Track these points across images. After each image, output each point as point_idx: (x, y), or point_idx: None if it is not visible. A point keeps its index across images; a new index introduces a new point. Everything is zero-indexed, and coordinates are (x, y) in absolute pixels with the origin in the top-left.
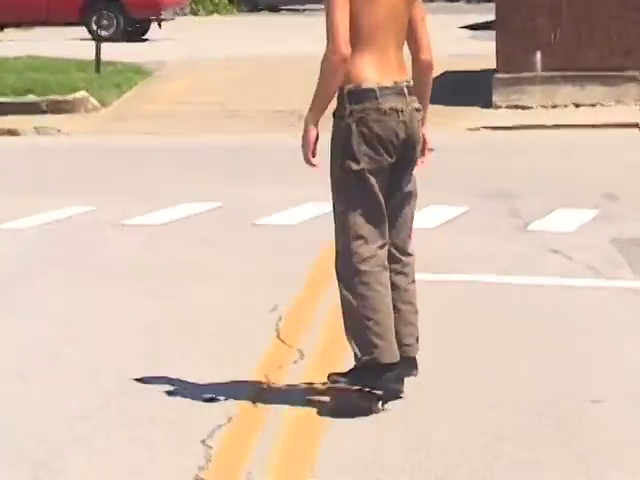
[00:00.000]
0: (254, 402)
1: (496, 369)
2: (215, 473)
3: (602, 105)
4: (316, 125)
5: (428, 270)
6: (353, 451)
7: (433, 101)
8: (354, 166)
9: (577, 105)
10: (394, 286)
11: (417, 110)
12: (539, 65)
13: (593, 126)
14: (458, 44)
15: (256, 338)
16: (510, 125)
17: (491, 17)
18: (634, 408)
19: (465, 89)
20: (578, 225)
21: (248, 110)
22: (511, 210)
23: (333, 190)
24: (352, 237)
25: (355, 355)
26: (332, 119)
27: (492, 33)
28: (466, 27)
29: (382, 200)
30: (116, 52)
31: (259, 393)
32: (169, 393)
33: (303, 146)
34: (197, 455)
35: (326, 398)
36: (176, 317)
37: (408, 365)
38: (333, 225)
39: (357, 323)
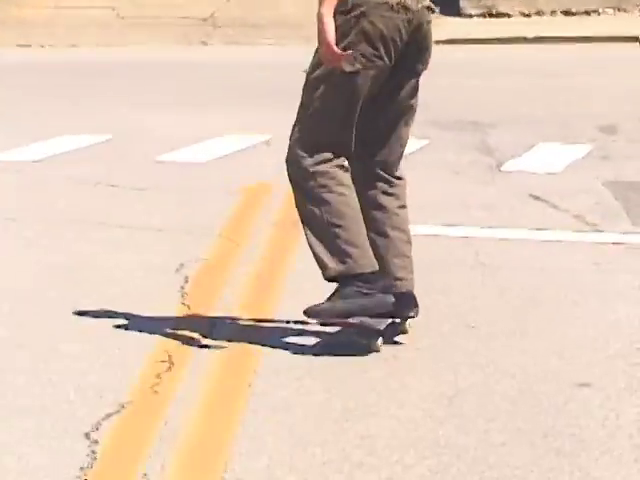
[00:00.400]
0: (152, 386)
1: (462, 346)
2: (101, 474)
3: (598, 13)
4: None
5: None
6: (272, 448)
7: None
8: (347, 67)
9: (567, 13)
10: (381, 207)
11: (428, 9)
12: None
13: (585, 39)
14: None
15: (156, 305)
16: (481, 38)
17: None
18: (624, 395)
19: None
20: (565, 165)
21: (147, 16)
22: (481, 145)
23: (306, 89)
24: (312, 142)
25: (327, 271)
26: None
27: None
28: None
29: (358, 111)
30: None
31: (159, 374)
32: (44, 375)
33: (322, 42)
34: (78, 452)
35: (245, 380)
36: (58, 278)
37: (405, 303)
38: (252, 162)
39: (321, 233)
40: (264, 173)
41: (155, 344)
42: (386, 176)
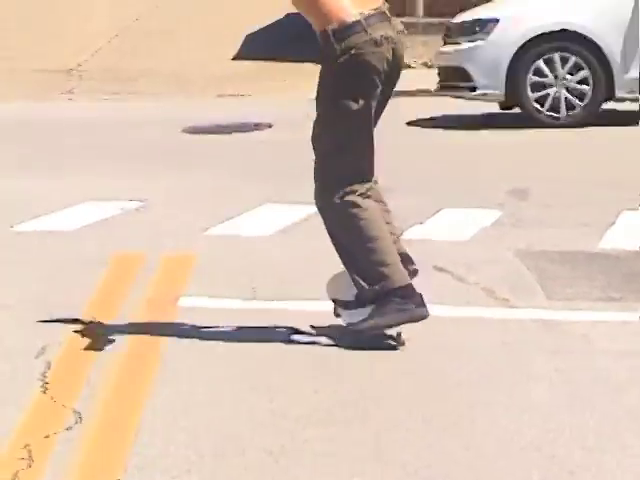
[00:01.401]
0: None
1: (358, 437)
2: None
3: None
4: None
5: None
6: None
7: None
8: (353, 106)
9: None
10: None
11: (401, 32)
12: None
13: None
14: None
15: (14, 394)
16: None
17: None
18: None
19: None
20: (473, 232)
21: (8, 68)
22: None
23: (322, 130)
24: (336, 179)
25: (364, 293)
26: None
27: None
28: None
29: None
30: None
31: (16, 474)
32: None
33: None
34: None
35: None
36: None
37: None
38: (122, 230)
39: (354, 260)
40: (135, 243)
41: (13, 439)
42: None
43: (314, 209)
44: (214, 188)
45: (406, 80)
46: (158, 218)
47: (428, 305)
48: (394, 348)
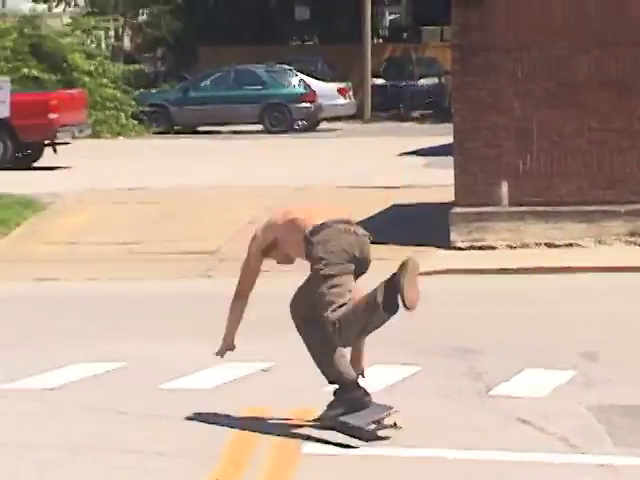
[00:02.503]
0: None
1: None
2: None
3: (580, 246)
4: None
5: (375, 444)
6: None
7: (378, 238)
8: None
9: (550, 245)
10: None
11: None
12: (505, 198)
13: (567, 270)
14: (409, 172)
15: None
16: (469, 269)
17: (448, 140)
18: None
19: (417, 226)
20: (551, 389)
21: (158, 251)
22: (470, 370)
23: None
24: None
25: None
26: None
27: (450, 160)
28: (414, 153)
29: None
30: (2, 182)
31: None
32: None
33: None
34: None
35: None
36: None
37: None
38: (252, 387)
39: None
40: (264, 398)
41: None
42: None
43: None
44: None
45: None
46: (284, 376)
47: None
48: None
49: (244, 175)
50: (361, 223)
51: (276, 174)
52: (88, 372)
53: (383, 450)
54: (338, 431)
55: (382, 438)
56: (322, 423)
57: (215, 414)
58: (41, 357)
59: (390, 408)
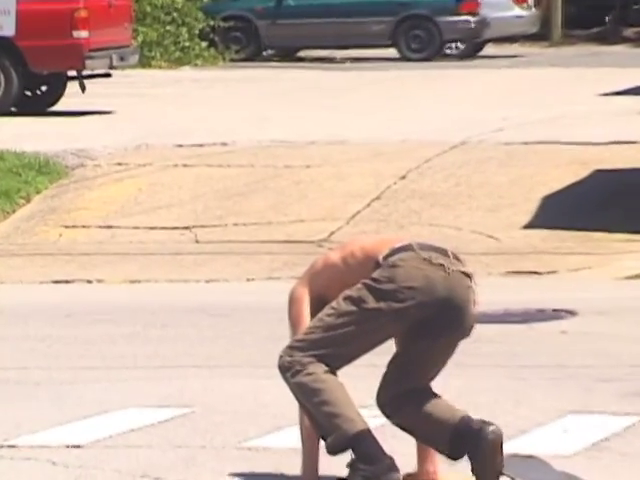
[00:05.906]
0: None
1: None
2: None
3: None
4: None
5: None
6: None
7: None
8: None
9: None
10: None
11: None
12: None
13: None
14: (619, 122)
15: None
16: None
17: None
18: None
19: (626, 203)
20: None
21: (236, 240)
22: None
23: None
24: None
25: (326, 448)
26: None
27: None
28: (626, 92)
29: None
30: (5, 134)
31: None
32: None
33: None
34: None
35: None
36: None
37: None
38: None
39: (311, 416)
40: None
41: None
42: None
43: None
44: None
45: None
46: None
47: None
48: None
49: (367, 125)
50: (547, 198)
51: (416, 124)
52: (134, 421)
53: None
54: None
55: None
56: None
57: None
58: (64, 398)
59: None
